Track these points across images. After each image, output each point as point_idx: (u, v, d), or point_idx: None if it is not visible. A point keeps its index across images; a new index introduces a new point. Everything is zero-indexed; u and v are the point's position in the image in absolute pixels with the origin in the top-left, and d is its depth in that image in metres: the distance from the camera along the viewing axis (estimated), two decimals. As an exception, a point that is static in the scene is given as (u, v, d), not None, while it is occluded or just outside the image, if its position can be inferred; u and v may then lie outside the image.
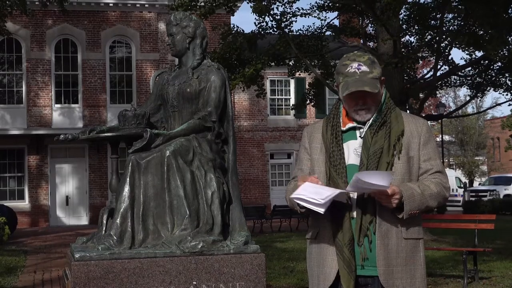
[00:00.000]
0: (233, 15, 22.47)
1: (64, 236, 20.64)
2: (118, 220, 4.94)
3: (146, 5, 28.01)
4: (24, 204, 26.88)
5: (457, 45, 18.40)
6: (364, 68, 3.35)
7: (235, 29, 20.13)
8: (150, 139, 5.13)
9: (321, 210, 3.19)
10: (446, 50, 19.94)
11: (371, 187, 3.18)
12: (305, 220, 19.40)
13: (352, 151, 3.41)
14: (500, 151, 57.18)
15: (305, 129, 3.66)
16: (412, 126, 3.45)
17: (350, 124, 3.44)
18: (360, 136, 3.42)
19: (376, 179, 3.16)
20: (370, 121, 3.41)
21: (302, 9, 20.09)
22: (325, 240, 3.41)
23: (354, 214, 3.35)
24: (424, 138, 3.45)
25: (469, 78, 21.41)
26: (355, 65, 3.36)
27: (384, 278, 3.31)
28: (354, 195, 3.33)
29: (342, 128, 3.45)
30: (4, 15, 20.91)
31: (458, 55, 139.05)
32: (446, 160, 53.06)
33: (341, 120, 3.48)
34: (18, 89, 27.21)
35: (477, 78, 21.21)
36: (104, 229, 5.19)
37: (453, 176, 38.64)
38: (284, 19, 19.41)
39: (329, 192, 3.19)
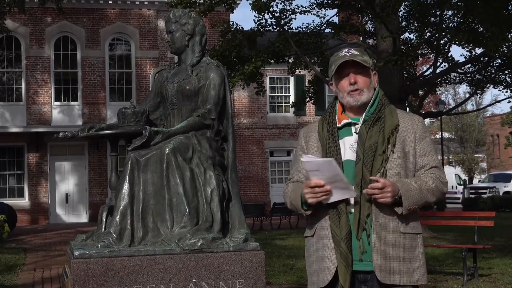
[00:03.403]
0: (232, 13, 22.44)
1: (64, 233, 20.65)
2: (117, 218, 4.93)
3: (145, 3, 27.98)
4: (24, 202, 26.87)
5: (457, 42, 18.36)
6: (354, 51, 3.47)
7: (234, 26, 20.10)
8: (150, 137, 5.11)
9: (330, 159, 3.30)
10: (446, 47, 19.90)
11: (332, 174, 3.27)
12: (304, 217, 19.39)
13: (348, 147, 3.46)
14: (499, 148, 57.16)
15: (301, 130, 3.74)
16: (407, 123, 3.50)
17: (345, 121, 3.50)
18: (355, 132, 3.48)
19: (323, 167, 3.26)
20: (364, 116, 3.47)
21: (302, 6, 20.15)
22: (323, 237, 3.44)
23: (352, 209, 3.37)
24: (420, 134, 3.50)
25: (468, 75, 21.38)
26: (345, 50, 3.50)
27: (380, 272, 3.33)
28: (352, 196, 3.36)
29: (337, 125, 3.51)
30: (3, 13, 20.88)
31: (457, 52, 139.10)
32: (446, 157, 53.02)
33: (336, 118, 3.54)
34: (18, 86, 27.19)
35: (477, 75, 21.17)
36: (103, 226, 5.18)
37: (453, 173, 38.60)
38: (284, 16, 19.40)
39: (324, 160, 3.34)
